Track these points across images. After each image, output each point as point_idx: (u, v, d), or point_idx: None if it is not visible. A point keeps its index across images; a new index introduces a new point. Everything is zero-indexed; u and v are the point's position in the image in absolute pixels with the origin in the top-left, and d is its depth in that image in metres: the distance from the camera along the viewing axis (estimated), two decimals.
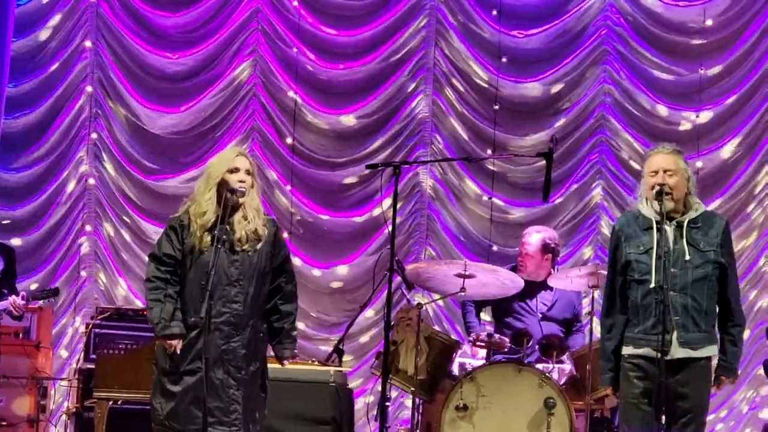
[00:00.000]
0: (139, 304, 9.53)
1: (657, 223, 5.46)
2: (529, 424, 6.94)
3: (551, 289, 7.81)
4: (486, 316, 8.26)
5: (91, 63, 10.16)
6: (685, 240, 5.46)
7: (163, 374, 5.62)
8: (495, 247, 9.86)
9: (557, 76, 10.01)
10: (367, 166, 6.82)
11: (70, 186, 10.12)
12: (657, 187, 5.46)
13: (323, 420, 7.13)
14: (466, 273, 7.14)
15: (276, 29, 10.16)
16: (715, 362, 5.55)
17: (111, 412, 7.26)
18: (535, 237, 7.83)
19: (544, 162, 6.24)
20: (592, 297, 7.12)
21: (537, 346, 7.41)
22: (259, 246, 5.67)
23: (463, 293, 7.20)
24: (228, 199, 5.61)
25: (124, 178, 10.13)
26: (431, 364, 7.20)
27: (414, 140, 10.09)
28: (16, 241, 9.82)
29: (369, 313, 9.63)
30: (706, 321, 5.46)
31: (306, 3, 10.17)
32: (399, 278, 7.19)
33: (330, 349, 8.05)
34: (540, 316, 7.75)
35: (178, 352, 5.53)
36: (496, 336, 7.39)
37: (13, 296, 8.13)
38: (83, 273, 10.04)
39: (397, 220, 6.30)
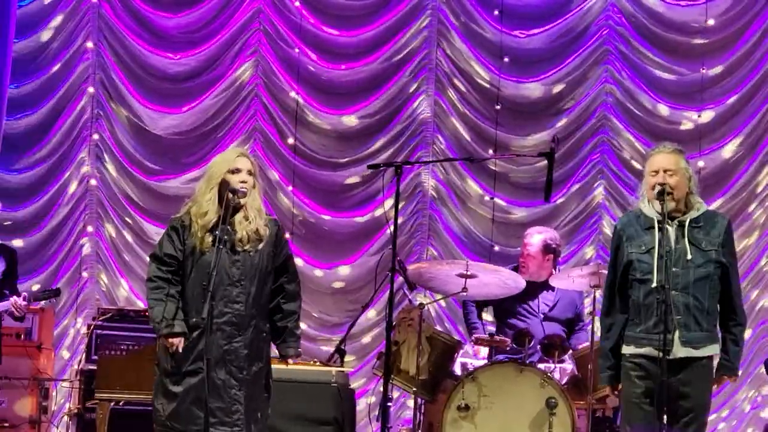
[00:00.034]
0: (140, 305, 9.52)
1: (658, 222, 5.45)
2: (530, 424, 6.93)
3: (553, 289, 7.81)
4: (488, 316, 8.26)
5: (92, 64, 10.15)
6: (686, 239, 5.46)
7: (164, 375, 5.62)
8: (497, 247, 9.85)
9: (559, 76, 10.01)
10: (369, 167, 6.84)
11: (72, 187, 10.11)
12: (658, 187, 5.46)
13: (325, 420, 7.13)
14: (468, 273, 7.14)
15: (278, 30, 10.15)
16: (716, 361, 5.54)
17: (113, 413, 7.26)
18: (536, 238, 7.83)
19: (545, 162, 6.25)
20: (594, 297, 7.11)
21: (539, 346, 7.41)
22: (260, 246, 5.66)
23: (464, 293, 7.20)
24: (229, 200, 5.60)
25: (126, 179, 10.12)
26: (433, 364, 7.19)
27: (416, 140, 10.08)
28: (17, 242, 9.79)
29: (371, 313, 9.63)
30: (707, 320, 5.46)
31: (308, 3, 10.17)
32: (401, 278, 7.19)
33: (332, 349, 8.07)
34: (542, 316, 7.75)
35: (180, 351, 5.54)
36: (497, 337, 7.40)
37: (15, 297, 8.13)
38: (85, 274, 10.02)
39: (399, 221, 6.31)
